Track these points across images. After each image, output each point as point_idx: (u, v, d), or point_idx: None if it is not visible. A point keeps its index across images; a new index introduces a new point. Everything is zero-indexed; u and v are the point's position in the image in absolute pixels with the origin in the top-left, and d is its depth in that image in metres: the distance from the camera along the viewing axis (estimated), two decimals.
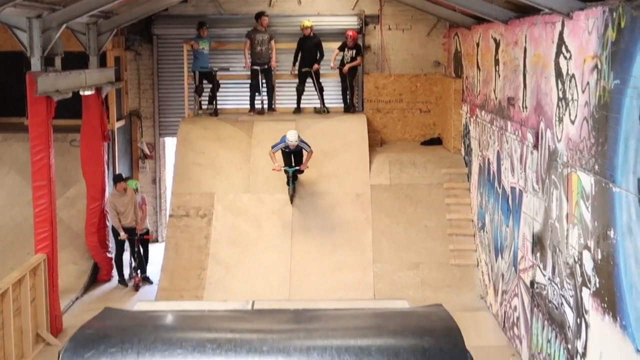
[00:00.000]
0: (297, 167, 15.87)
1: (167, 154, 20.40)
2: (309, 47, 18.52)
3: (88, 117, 16.69)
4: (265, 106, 18.80)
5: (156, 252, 17.28)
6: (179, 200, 16.52)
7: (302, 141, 15.56)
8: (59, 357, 7.57)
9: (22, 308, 12.27)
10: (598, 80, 8.68)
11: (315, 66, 18.45)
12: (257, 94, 18.65)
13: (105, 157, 17.20)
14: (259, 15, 18.50)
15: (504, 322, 13.20)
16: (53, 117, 13.52)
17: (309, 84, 18.70)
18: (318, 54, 18.53)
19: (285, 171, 15.90)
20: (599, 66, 8.64)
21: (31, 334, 12.49)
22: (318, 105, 18.79)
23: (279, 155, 15.78)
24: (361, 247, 15.73)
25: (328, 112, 18.61)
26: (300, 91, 18.71)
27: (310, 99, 18.94)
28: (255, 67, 18.45)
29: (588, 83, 9.01)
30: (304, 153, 15.74)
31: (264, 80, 18.61)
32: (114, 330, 8.08)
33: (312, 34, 18.52)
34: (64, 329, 13.58)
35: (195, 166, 16.89)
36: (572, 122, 9.60)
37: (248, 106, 18.88)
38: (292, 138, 15.39)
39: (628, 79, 7.83)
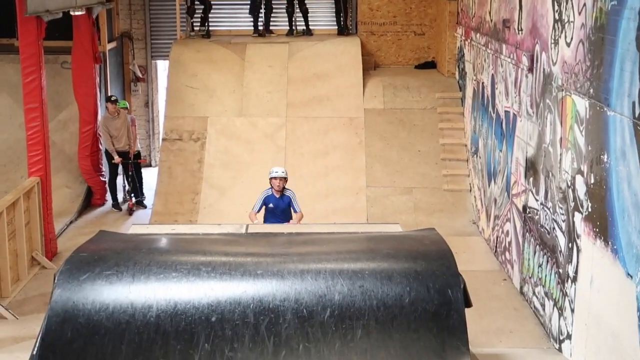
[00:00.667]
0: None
1: (159, 77, 20.24)
2: None
3: (79, 39, 16.47)
4: (262, 28, 18.55)
5: (149, 176, 17.27)
6: (172, 124, 16.45)
7: (291, 196, 12.00)
8: (54, 280, 7.62)
9: (17, 231, 12.29)
10: (595, 1, 8.57)
11: None
12: (259, 15, 18.38)
13: (97, 79, 17.04)
14: None
15: (496, 246, 13.30)
16: (44, 38, 13.34)
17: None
18: None
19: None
20: None
21: (26, 257, 12.54)
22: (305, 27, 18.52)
23: (261, 216, 12.13)
24: (354, 172, 15.74)
25: (311, 34, 18.37)
26: (290, 12, 18.45)
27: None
28: None
29: (585, 4, 8.90)
30: (293, 215, 12.01)
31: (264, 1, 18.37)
32: (109, 253, 8.11)
33: None
34: (59, 252, 13.63)
35: (188, 89, 16.77)
36: (568, 45, 9.51)
37: (241, 28, 18.67)
38: (279, 170, 12.03)
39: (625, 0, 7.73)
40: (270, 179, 11.87)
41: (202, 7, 18.39)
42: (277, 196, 11.79)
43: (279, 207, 11.80)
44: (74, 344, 7.08)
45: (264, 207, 11.89)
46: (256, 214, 11.75)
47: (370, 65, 18.24)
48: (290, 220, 11.81)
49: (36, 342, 7.15)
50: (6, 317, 11.04)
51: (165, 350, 7.03)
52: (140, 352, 7.02)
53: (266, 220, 11.91)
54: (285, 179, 11.85)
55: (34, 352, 7.06)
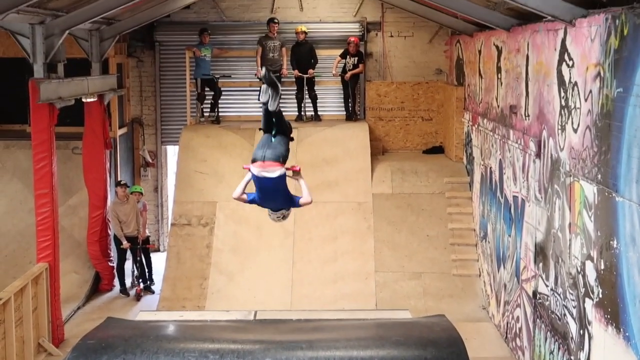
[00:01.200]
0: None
1: (169, 162, 20.40)
2: (302, 53, 18.51)
3: (90, 124, 16.67)
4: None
5: (158, 261, 17.25)
6: (181, 208, 16.50)
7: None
8: None
9: (24, 317, 12.24)
10: (601, 89, 8.66)
11: (310, 71, 18.42)
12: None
13: (107, 164, 17.19)
14: (269, 22, 18.51)
15: (507, 333, 13.16)
16: (55, 124, 13.51)
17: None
18: (312, 60, 18.50)
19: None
20: (602, 74, 8.62)
21: (33, 343, 12.46)
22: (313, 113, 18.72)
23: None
24: (363, 256, 15.70)
25: (320, 120, 18.56)
26: (299, 98, 18.68)
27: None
28: None
29: (591, 91, 8.99)
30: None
31: None
32: (117, 341, 8.07)
33: (305, 40, 18.53)
34: (66, 338, 13.54)
35: (197, 174, 16.87)
36: (575, 131, 9.57)
37: (250, 114, 18.88)
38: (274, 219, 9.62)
39: (631, 87, 7.81)
40: None
41: (212, 93, 18.63)
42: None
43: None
44: None
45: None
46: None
47: (378, 150, 18.36)
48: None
49: None
50: None
51: None
52: None
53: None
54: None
55: None
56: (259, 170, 9.03)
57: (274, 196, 9.18)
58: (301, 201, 9.36)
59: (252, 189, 9.18)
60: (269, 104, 9.32)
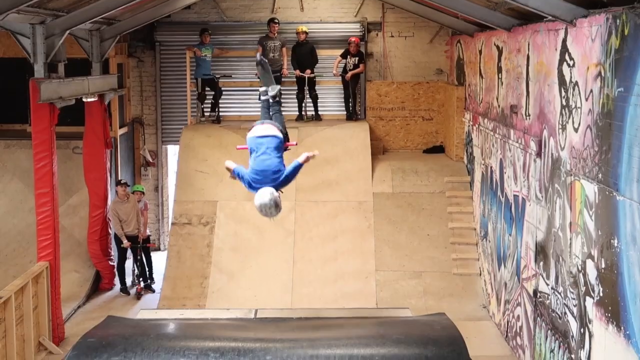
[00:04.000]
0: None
1: (169, 162, 20.40)
2: (302, 53, 18.52)
3: (91, 124, 16.68)
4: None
5: (158, 260, 17.26)
6: (181, 208, 16.51)
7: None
8: None
9: (25, 316, 12.25)
10: (602, 88, 8.67)
11: (308, 71, 18.42)
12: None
13: (108, 164, 17.20)
14: (270, 22, 18.51)
15: (507, 331, 13.17)
16: (56, 124, 13.52)
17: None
18: (312, 60, 18.52)
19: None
20: (603, 74, 8.63)
21: (33, 342, 12.47)
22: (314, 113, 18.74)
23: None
24: (363, 256, 15.70)
25: (320, 119, 18.57)
26: (300, 98, 18.69)
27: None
28: None
29: (592, 91, 9.00)
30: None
31: None
32: (117, 339, 8.08)
33: (306, 40, 18.55)
34: (66, 337, 13.55)
35: (198, 174, 16.87)
36: (576, 130, 9.58)
37: (251, 114, 18.89)
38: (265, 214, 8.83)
39: (632, 86, 7.81)
40: None
41: (213, 93, 18.63)
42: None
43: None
44: None
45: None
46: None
47: (378, 150, 18.37)
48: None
49: None
50: None
51: None
52: None
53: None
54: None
55: None
56: (256, 130, 9.18)
57: (268, 161, 8.92)
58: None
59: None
60: (268, 90, 9.37)
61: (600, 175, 8.69)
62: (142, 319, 9.74)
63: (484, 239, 15.10)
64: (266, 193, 8.55)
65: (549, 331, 10.67)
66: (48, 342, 12.96)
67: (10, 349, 11.57)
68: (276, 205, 8.55)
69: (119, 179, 17.62)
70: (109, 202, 16.93)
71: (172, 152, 20.14)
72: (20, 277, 12.59)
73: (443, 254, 15.71)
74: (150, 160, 19.81)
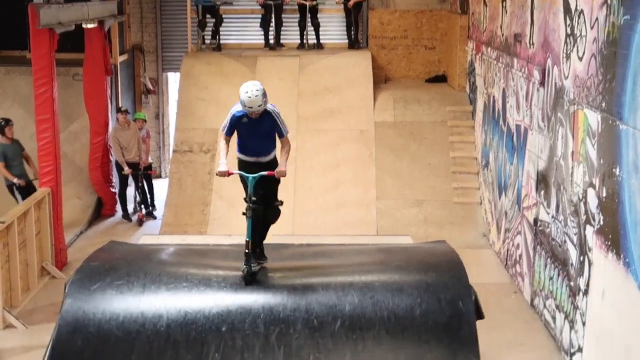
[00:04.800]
0: (263, 173, 8.14)
1: (170, 89, 20.31)
2: None
3: (91, 51, 16.56)
4: (272, 42, 18.59)
5: (160, 188, 17.30)
6: (182, 135, 16.48)
7: (274, 113, 8.07)
8: (65, 289, 7.64)
9: (27, 241, 12.32)
10: (607, 16, 8.57)
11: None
12: (270, 29, 18.48)
13: (108, 91, 17.12)
14: None
15: (507, 259, 13.26)
16: (55, 50, 13.41)
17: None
18: None
19: (243, 181, 8.39)
20: (609, 1, 8.52)
21: (36, 266, 12.57)
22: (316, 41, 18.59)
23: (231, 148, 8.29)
24: (364, 184, 15.72)
25: (322, 48, 18.44)
26: (302, 26, 18.52)
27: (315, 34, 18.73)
28: (269, 2, 18.25)
29: (597, 19, 8.90)
30: (278, 141, 8.25)
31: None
32: (120, 263, 8.15)
33: None
34: (69, 262, 13.65)
35: (199, 101, 16.81)
36: (580, 59, 9.50)
37: (251, 41, 18.78)
38: (252, 98, 7.80)
39: (638, 14, 7.73)
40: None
41: (213, 20, 18.45)
42: (253, 117, 7.92)
43: (255, 131, 8.04)
44: (84, 353, 7.10)
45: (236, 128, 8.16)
46: (226, 137, 8.14)
47: (380, 79, 18.25)
48: (274, 152, 8.31)
49: (46, 351, 7.15)
50: (16, 326, 11.06)
51: (176, 359, 7.03)
52: None
53: (241, 140, 8.20)
54: (263, 105, 7.88)
55: None
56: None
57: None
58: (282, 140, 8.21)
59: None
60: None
61: (603, 104, 8.65)
62: (144, 244, 9.81)
63: (485, 168, 15.11)
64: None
65: (549, 259, 10.75)
66: (51, 267, 13.06)
67: (14, 273, 11.67)
68: (264, 94, 7.85)
69: (120, 106, 17.56)
70: (110, 129, 16.89)
71: (173, 79, 20.04)
72: (22, 202, 12.62)
73: (444, 183, 15.73)
74: (151, 88, 19.72)
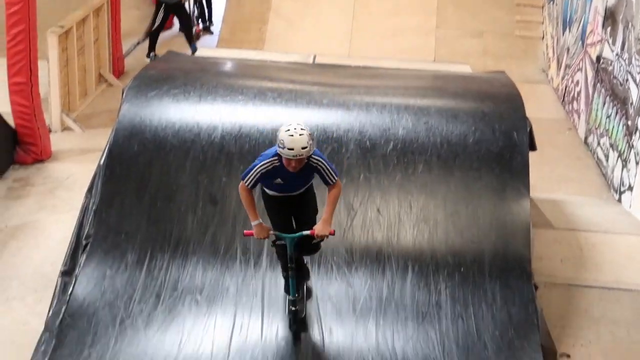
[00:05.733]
0: (305, 232, 6.03)
1: None
2: None
3: None
4: None
5: (218, 3, 17.08)
6: None
7: (319, 165, 5.87)
8: (123, 95, 7.72)
9: (86, 47, 12.35)
10: None
11: None
12: None
13: None
14: None
15: (564, 96, 13.06)
16: None
17: None
18: None
19: (276, 244, 6.16)
20: None
21: (94, 73, 12.67)
22: None
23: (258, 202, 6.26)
24: (425, 11, 15.37)
25: None
26: None
27: None
28: None
29: None
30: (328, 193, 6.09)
31: None
32: (178, 73, 8.17)
33: None
34: (126, 71, 13.75)
35: None
36: None
37: None
38: (295, 137, 5.61)
39: None
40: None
41: None
42: (292, 170, 5.84)
43: (290, 185, 6.03)
44: (140, 158, 7.24)
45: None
46: (250, 190, 5.90)
47: None
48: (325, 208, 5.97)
49: (103, 153, 7.30)
50: (73, 129, 11.30)
51: (229, 169, 7.15)
52: (204, 169, 7.15)
53: (271, 202, 6.18)
54: (309, 149, 5.68)
55: (101, 162, 7.23)
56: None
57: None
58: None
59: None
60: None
61: None
62: (201, 57, 9.81)
63: (551, 2, 14.66)
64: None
65: (608, 97, 10.56)
66: (108, 74, 13.17)
67: (72, 78, 11.77)
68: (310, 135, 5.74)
69: None
70: None
71: None
72: (82, 8, 12.58)
73: (507, 14, 15.33)
74: None
